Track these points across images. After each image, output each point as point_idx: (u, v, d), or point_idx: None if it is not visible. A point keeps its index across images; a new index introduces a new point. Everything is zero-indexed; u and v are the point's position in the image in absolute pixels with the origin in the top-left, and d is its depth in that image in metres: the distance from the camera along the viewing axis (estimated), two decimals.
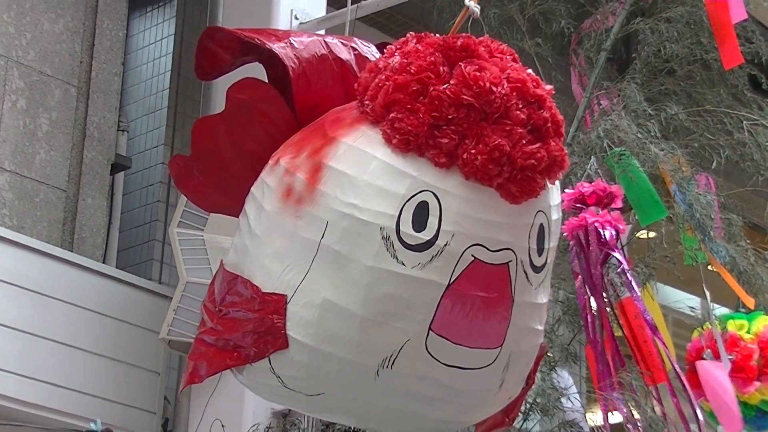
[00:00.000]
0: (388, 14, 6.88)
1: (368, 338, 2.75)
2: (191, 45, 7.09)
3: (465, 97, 2.68)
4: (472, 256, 2.71)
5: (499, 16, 6.83)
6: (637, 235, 6.98)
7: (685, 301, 7.05)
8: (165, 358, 6.60)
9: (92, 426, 5.80)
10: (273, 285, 2.83)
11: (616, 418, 5.38)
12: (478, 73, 2.70)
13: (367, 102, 2.81)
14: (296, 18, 6.58)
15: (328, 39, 3.15)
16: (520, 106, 2.71)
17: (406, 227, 2.70)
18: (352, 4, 6.24)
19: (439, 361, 2.77)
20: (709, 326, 5.80)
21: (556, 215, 2.91)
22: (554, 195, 2.89)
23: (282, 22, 6.54)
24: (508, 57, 2.79)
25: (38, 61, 6.70)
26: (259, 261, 2.87)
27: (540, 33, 6.91)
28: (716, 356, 5.72)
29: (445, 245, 2.69)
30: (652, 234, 6.86)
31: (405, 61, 2.76)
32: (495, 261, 2.73)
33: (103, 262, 6.78)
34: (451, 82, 2.71)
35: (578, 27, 6.88)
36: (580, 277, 5.53)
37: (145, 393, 6.57)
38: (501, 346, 2.82)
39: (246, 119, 3.04)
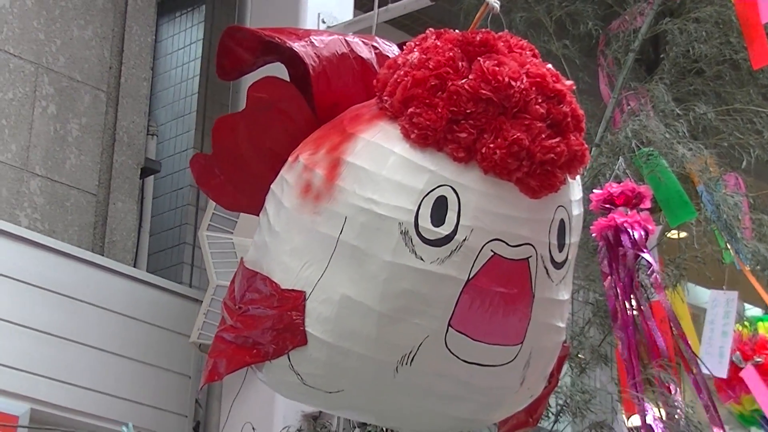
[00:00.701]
0: (414, 17, 6.89)
1: (387, 334, 2.73)
2: None
3: (483, 91, 2.67)
4: (492, 251, 2.69)
5: (526, 18, 6.82)
6: (668, 235, 6.95)
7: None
8: (196, 362, 6.62)
9: (124, 429, 5.82)
10: (292, 281, 2.82)
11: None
12: (497, 68, 2.69)
13: (385, 98, 2.80)
14: (323, 22, 6.60)
15: (349, 38, 3.14)
16: (540, 100, 2.69)
17: (425, 222, 2.68)
18: (378, 7, 6.25)
19: (458, 357, 2.74)
20: (739, 328, 5.76)
21: (577, 210, 2.88)
22: (575, 190, 2.86)
23: (309, 26, 6.56)
24: (527, 52, 2.78)
25: (68, 67, 6.75)
26: (278, 258, 2.87)
27: (567, 35, 6.90)
28: (745, 358, 5.69)
29: (464, 240, 2.67)
30: (683, 234, 6.83)
31: (424, 56, 2.75)
32: (515, 256, 2.71)
33: (134, 266, 6.82)
34: (470, 76, 2.69)
35: (606, 28, 6.86)
36: (609, 278, 5.52)
37: (176, 396, 6.60)
38: (521, 342, 2.79)
39: (266, 118, 3.03)
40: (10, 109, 6.49)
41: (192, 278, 7.00)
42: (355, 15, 6.76)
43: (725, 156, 6.65)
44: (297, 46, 3.01)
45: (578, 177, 2.89)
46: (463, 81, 2.69)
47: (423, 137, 2.71)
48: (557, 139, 2.69)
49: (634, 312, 5.32)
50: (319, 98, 3.00)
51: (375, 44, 3.14)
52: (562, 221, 2.79)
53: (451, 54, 2.73)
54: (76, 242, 6.56)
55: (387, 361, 2.76)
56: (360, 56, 3.08)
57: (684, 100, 6.65)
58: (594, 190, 5.68)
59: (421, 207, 2.69)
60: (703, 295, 7.94)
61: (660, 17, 6.76)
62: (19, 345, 6.05)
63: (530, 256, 2.73)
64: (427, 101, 2.70)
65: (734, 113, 6.67)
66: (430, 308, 2.70)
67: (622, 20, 6.82)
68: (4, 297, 6.04)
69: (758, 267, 6.17)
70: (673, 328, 5.07)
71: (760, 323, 5.85)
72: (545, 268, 2.77)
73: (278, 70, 3.17)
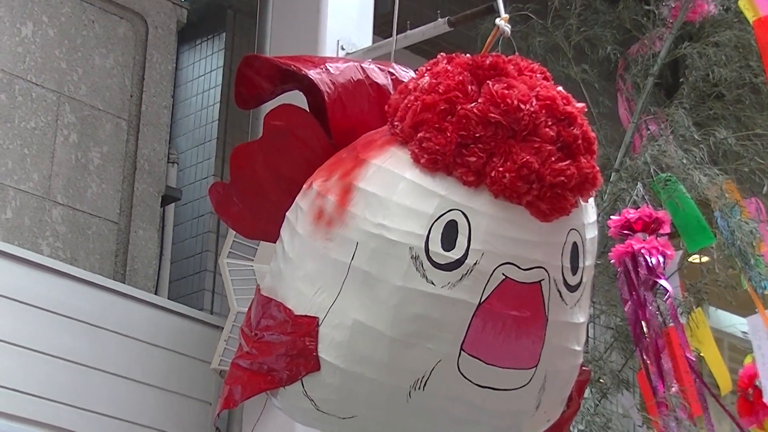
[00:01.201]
0: (434, 42, 6.89)
1: (399, 359, 2.73)
2: None
3: (492, 115, 2.67)
4: (503, 274, 2.68)
5: (545, 43, 6.85)
6: (690, 259, 6.95)
7: (739, 325, 7.00)
8: (216, 388, 6.61)
9: None
10: (305, 307, 2.83)
11: None
12: (506, 91, 2.69)
13: (396, 123, 2.81)
14: (342, 48, 6.61)
15: (365, 64, 3.14)
16: (550, 123, 2.68)
17: (435, 246, 2.68)
18: (397, 33, 6.26)
19: (472, 382, 2.74)
20: None
21: (591, 233, 2.87)
22: (589, 213, 2.85)
23: (329, 53, 6.57)
24: (538, 75, 2.77)
25: (89, 96, 6.79)
26: (293, 284, 2.87)
27: (586, 59, 6.91)
28: None
29: (475, 264, 2.67)
30: (705, 258, 6.82)
31: (434, 81, 2.75)
32: (527, 280, 2.70)
33: (155, 294, 6.84)
34: (479, 100, 2.69)
35: (625, 52, 6.88)
36: (629, 303, 5.52)
37: (197, 423, 6.60)
38: (536, 366, 2.77)
39: (283, 145, 3.04)
40: (32, 138, 6.54)
41: (213, 305, 7.01)
42: (374, 41, 6.78)
43: (746, 181, 6.65)
44: (312, 73, 3.02)
45: (592, 200, 2.88)
46: (473, 105, 2.69)
47: (432, 162, 2.71)
48: (567, 162, 2.69)
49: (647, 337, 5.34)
50: (335, 125, 3.01)
51: (391, 70, 3.14)
52: (575, 244, 2.78)
53: (460, 78, 2.73)
54: (97, 270, 6.59)
55: (400, 386, 2.76)
56: (375, 82, 3.08)
57: (704, 124, 6.65)
58: (612, 216, 5.70)
59: (432, 231, 2.68)
60: (725, 319, 7.93)
61: (679, 41, 6.78)
62: (41, 372, 6.07)
63: (542, 279, 2.72)
64: (437, 126, 2.70)
65: (755, 138, 6.67)
66: (442, 332, 2.70)
67: (640, 45, 6.84)
68: (26, 325, 6.07)
69: None
70: (687, 356, 5.07)
71: None
72: (558, 291, 2.76)
73: (298, 98, 3.18)
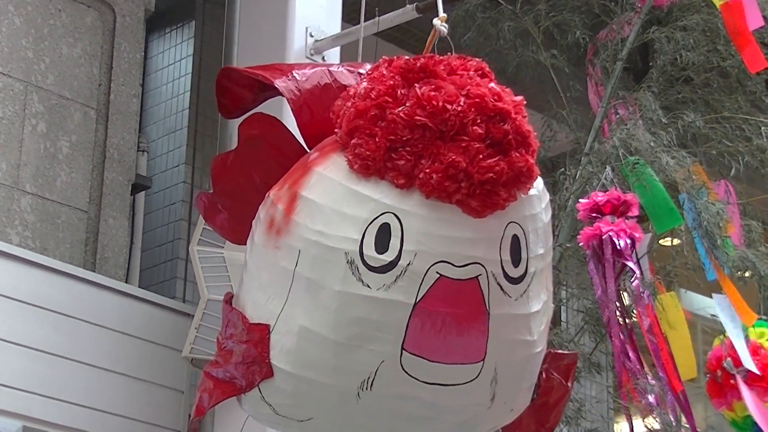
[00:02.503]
0: (405, 29, 6.91)
1: (344, 362, 2.79)
2: (210, 65, 7.16)
3: (419, 117, 2.70)
4: (437, 273, 2.71)
5: (514, 28, 6.85)
6: (661, 242, 6.98)
7: (709, 308, 7.04)
8: (188, 377, 6.65)
9: None
10: (259, 315, 2.90)
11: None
12: (433, 93, 2.72)
13: (337, 130, 2.86)
14: (311, 36, 6.61)
15: (333, 68, 3.17)
16: (479, 121, 2.71)
17: (369, 250, 2.73)
18: (366, 20, 6.26)
19: (418, 379, 2.78)
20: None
21: (538, 223, 2.87)
22: (533, 203, 2.86)
23: (297, 40, 6.57)
24: (472, 73, 2.79)
25: (57, 85, 6.78)
26: (250, 292, 2.96)
27: (555, 44, 6.92)
28: (736, 365, 5.71)
29: (408, 265, 2.71)
30: (676, 241, 6.85)
31: (369, 86, 2.80)
32: (462, 276, 2.73)
33: (126, 282, 6.85)
34: (407, 104, 2.73)
35: (594, 37, 6.89)
36: (599, 287, 5.54)
37: (169, 411, 6.62)
38: (483, 359, 2.80)
39: (258, 153, 3.11)
40: None
41: (185, 293, 7.02)
42: (343, 28, 6.77)
43: (714, 164, 6.68)
44: (278, 82, 3.06)
45: (540, 189, 2.89)
46: (400, 109, 2.73)
47: (365, 167, 2.76)
48: (497, 158, 2.70)
49: (620, 319, 5.36)
50: (304, 131, 3.06)
51: (361, 71, 3.16)
52: (515, 237, 2.80)
53: (391, 83, 2.77)
54: (67, 259, 6.59)
55: (348, 388, 2.81)
56: (344, 85, 3.10)
57: (673, 108, 6.68)
58: (581, 199, 5.72)
59: (366, 236, 2.73)
60: (698, 301, 7.96)
61: (647, 26, 6.79)
62: (12, 362, 6.08)
63: (479, 275, 2.74)
64: (368, 131, 2.76)
65: (723, 121, 6.70)
66: (382, 334, 2.75)
67: (609, 29, 6.85)
68: None
69: (747, 273, 6.20)
70: (651, 339, 5.09)
71: (750, 329, 5.86)
72: (499, 284, 2.78)
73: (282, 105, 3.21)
